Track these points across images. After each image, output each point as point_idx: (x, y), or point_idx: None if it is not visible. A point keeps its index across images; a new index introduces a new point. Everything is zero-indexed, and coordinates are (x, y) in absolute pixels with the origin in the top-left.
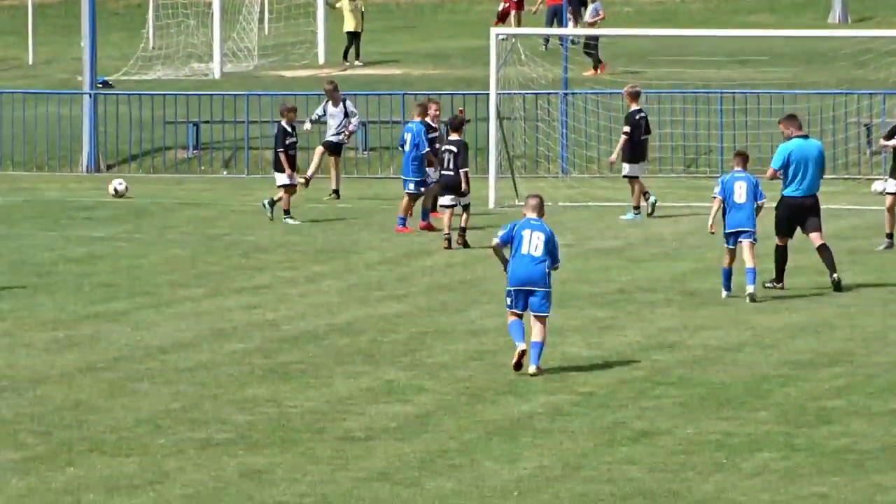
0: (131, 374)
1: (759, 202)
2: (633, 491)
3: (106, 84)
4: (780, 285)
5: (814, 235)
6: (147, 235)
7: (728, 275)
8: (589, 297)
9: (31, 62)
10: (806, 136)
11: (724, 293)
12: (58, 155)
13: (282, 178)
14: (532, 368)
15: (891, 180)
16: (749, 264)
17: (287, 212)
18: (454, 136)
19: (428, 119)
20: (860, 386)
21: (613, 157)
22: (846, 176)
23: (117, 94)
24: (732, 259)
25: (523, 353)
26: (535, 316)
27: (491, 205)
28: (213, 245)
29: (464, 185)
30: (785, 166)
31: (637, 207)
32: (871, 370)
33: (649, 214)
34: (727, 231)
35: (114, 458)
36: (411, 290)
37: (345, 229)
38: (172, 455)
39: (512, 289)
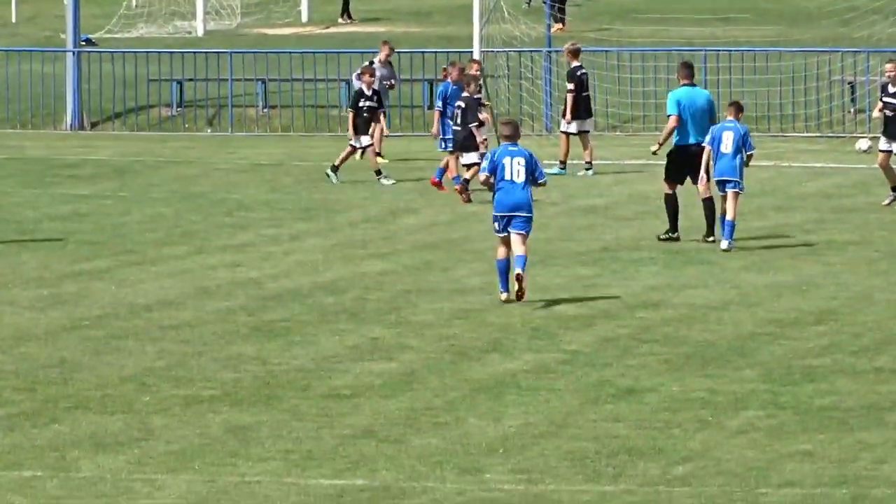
0: (116, 332)
1: (748, 153)
2: (618, 448)
3: (89, 42)
4: (675, 235)
5: (702, 187)
6: (131, 193)
7: (722, 222)
8: (574, 256)
9: (14, 20)
10: (693, 85)
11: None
12: (41, 113)
13: (366, 140)
14: (517, 271)
15: (883, 138)
16: (729, 216)
17: (378, 172)
18: (465, 94)
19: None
20: (845, 344)
21: (569, 116)
22: (830, 134)
23: (101, 52)
24: (723, 207)
25: (508, 301)
26: (517, 233)
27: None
28: (197, 203)
29: (479, 137)
30: (681, 113)
31: (590, 163)
32: (855, 329)
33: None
34: (715, 179)
35: (99, 416)
36: (396, 249)
37: (329, 188)
38: (157, 412)
39: (499, 214)
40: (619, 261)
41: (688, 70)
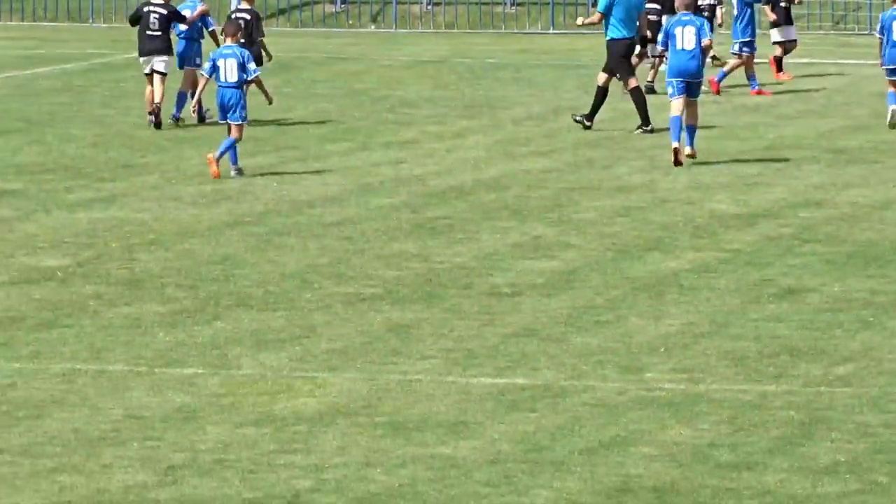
0: (278, 229)
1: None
2: (779, 348)
3: None
4: (648, 128)
5: (632, 79)
6: (294, 89)
7: None
8: (737, 154)
9: None
10: None
11: None
12: None
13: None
14: (688, 150)
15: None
16: None
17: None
18: None
19: None
20: None
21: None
22: None
23: None
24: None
25: (677, 150)
26: (689, 100)
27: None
28: (360, 100)
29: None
30: (609, 8)
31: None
32: None
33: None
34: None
35: (260, 313)
36: (558, 146)
37: (492, 84)
38: (319, 309)
39: (673, 80)
40: (782, 160)
41: None
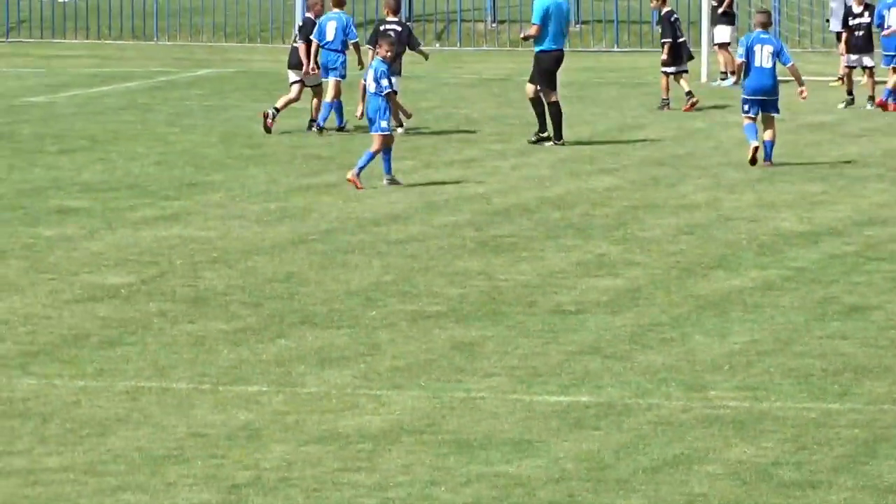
0: (342, 246)
1: None
2: (844, 366)
3: None
4: (560, 142)
5: (553, 94)
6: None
7: None
8: (801, 172)
9: None
10: None
11: None
12: (270, 27)
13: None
14: (765, 164)
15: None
16: None
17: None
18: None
19: None
20: None
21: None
22: None
23: None
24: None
25: (756, 149)
26: (766, 117)
27: (703, 78)
28: (425, 118)
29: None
30: (545, 21)
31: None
32: None
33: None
34: None
35: (325, 330)
36: (623, 164)
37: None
38: (383, 327)
39: (749, 97)
40: (846, 177)
41: None
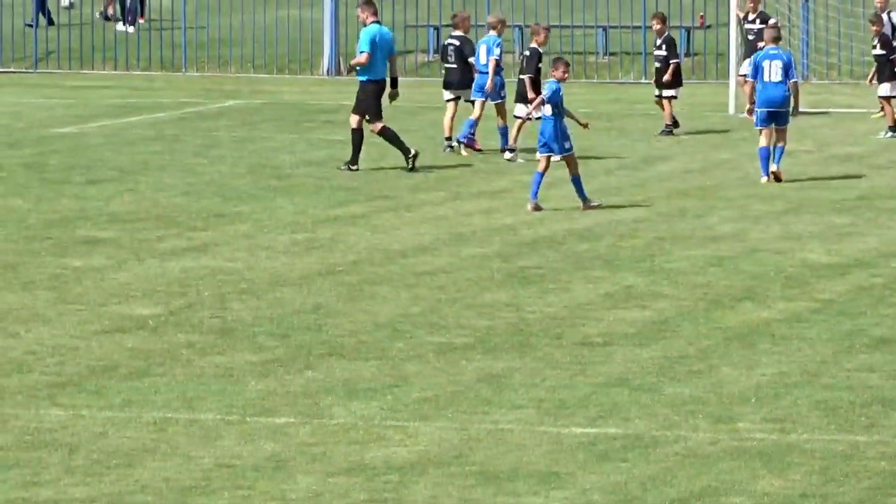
0: (370, 278)
1: None
2: (872, 398)
3: None
4: (355, 167)
5: (378, 123)
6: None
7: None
8: (829, 204)
9: None
10: (379, 23)
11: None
12: (298, 58)
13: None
14: (773, 167)
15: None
16: None
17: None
18: None
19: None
20: None
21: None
22: None
23: None
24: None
25: (773, 174)
26: (778, 129)
27: (731, 110)
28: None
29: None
30: (372, 50)
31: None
32: None
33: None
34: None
35: (352, 362)
36: (649, 196)
37: (584, 133)
38: (411, 359)
39: (759, 110)
40: (875, 209)
41: (373, 7)
